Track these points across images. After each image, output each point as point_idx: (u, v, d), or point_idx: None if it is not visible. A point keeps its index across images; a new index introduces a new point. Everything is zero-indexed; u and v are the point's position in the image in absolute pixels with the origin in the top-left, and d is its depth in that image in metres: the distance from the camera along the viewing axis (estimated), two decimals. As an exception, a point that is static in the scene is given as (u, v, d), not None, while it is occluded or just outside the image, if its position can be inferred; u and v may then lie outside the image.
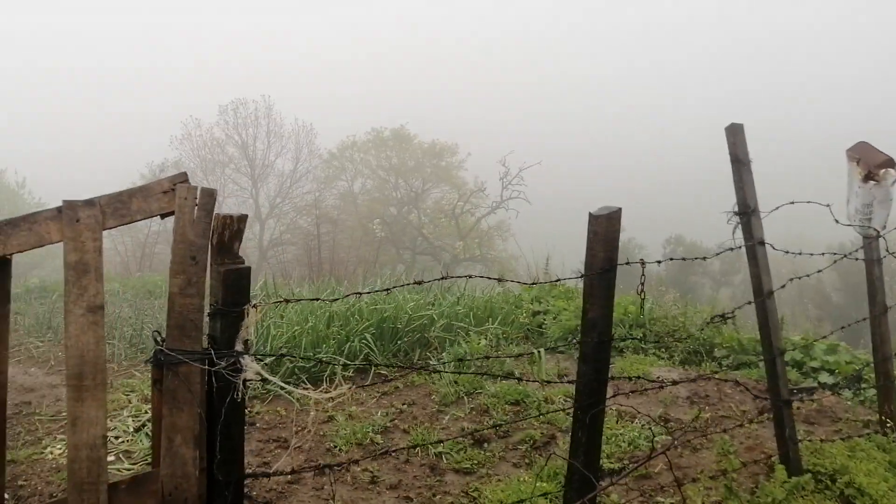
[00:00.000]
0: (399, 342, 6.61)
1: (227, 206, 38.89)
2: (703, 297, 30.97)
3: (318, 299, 3.11)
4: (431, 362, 6.42)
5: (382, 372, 6.33)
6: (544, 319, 7.68)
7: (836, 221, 4.20)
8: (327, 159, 41.99)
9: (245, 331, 2.42)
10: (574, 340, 7.02)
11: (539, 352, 5.47)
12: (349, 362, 6.03)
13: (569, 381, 3.27)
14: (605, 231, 2.87)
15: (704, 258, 3.45)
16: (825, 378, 5.81)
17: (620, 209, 2.93)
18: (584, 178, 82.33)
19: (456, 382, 5.87)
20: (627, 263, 3.00)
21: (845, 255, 4.21)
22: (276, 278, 20.27)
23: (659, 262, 3.31)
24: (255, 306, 2.45)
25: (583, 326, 2.98)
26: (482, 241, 37.10)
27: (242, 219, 2.47)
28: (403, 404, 5.62)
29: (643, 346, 6.82)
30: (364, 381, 6.15)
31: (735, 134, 3.80)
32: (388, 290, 3.64)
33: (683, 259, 3.30)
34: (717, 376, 5.40)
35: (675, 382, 3.99)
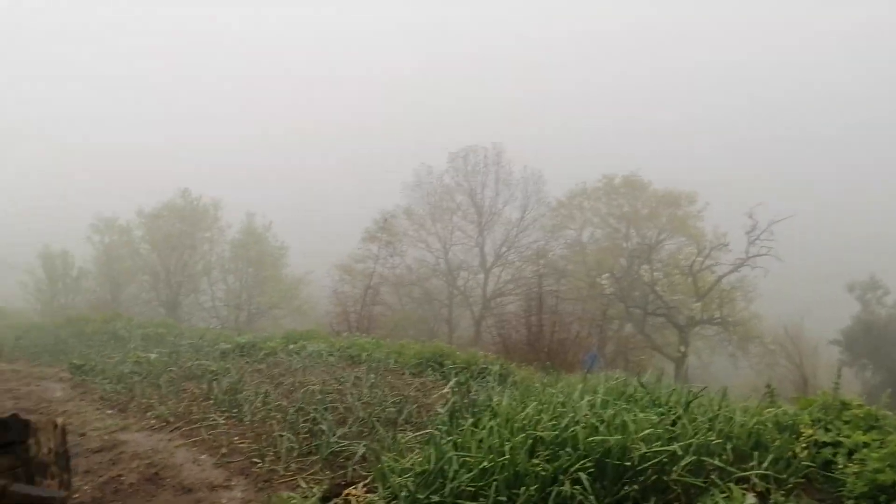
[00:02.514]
0: (626, 487, 4.78)
1: (452, 253, 38.79)
2: None
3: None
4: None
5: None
6: (834, 456, 5.46)
7: None
8: (555, 207, 40.62)
9: None
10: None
11: None
12: (554, 523, 4.32)
13: None
14: None
15: None
16: None
17: None
18: (839, 232, 73.76)
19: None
20: None
21: None
22: (491, 344, 19.01)
23: None
24: None
25: None
26: (722, 302, 33.49)
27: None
28: None
29: None
30: (575, 545, 4.39)
31: None
32: None
33: None
34: None
35: None
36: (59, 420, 1.84)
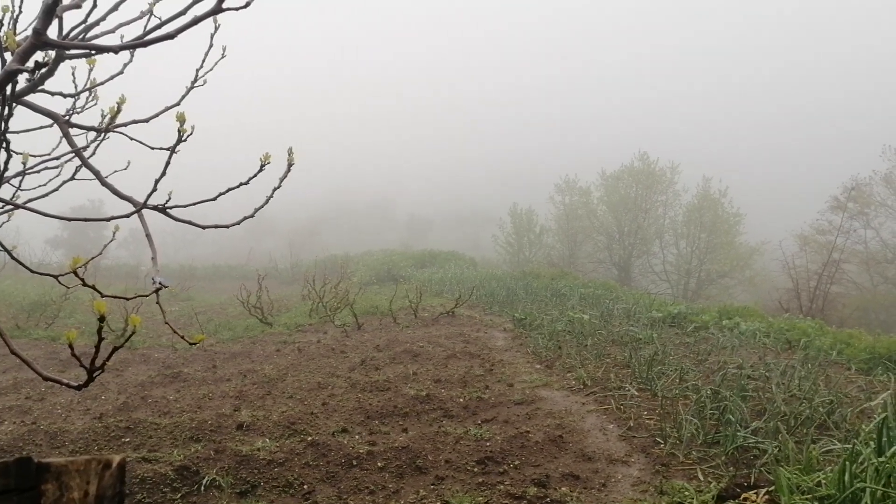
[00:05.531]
0: None
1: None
2: None
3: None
4: None
5: None
6: None
7: None
8: None
9: None
10: None
11: None
12: None
13: None
14: None
15: None
16: None
17: None
18: None
19: None
20: None
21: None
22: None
23: None
24: None
25: None
26: None
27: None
28: None
29: None
30: None
31: None
32: None
33: None
34: None
35: None
36: (117, 457, 1.46)
